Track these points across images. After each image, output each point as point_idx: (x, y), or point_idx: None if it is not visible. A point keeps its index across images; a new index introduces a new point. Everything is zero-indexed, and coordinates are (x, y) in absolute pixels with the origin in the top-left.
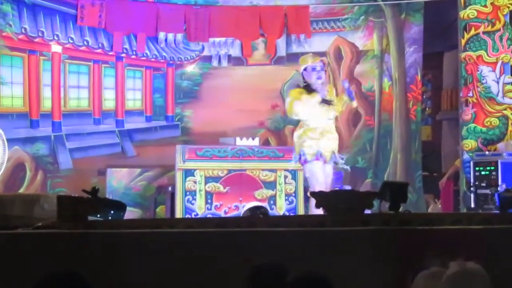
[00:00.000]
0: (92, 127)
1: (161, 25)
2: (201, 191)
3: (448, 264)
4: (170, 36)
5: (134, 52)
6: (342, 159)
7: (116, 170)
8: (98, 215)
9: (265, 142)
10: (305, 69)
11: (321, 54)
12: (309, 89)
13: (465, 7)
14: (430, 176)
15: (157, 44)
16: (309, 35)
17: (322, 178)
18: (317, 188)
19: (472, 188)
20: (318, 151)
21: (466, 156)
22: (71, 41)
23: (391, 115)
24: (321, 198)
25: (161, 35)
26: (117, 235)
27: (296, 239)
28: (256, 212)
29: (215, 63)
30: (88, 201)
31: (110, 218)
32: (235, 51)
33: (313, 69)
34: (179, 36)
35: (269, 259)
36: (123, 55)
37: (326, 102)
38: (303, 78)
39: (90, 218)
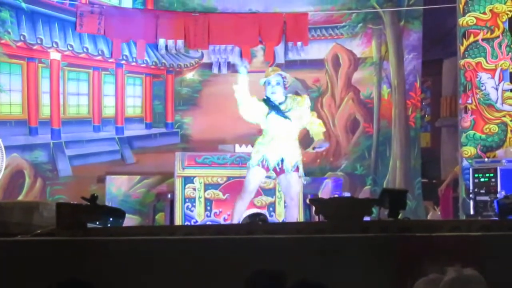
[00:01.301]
0: (91, 134)
1: (160, 32)
2: (200, 198)
3: (445, 271)
4: (170, 42)
5: (134, 59)
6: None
7: (115, 177)
8: (97, 222)
9: None
10: (264, 83)
11: (319, 61)
12: (267, 102)
13: (464, 14)
14: (429, 183)
15: (157, 51)
16: (306, 43)
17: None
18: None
19: (471, 195)
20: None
21: (465, 163)
22: (70, 48)
23: (390, 122)
24: (321, 205)
25: (161, 41)
26: (116, 242)
27: (295, 246)
28: (256, 219)
29: (215, 70)
30: (87, 208)
31: (109, 225)
32: (234, 58)
33: (268, 83)
34: (180, 43)
35: (268, 265)
36: (123, 62)
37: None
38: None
39: (89, 225)
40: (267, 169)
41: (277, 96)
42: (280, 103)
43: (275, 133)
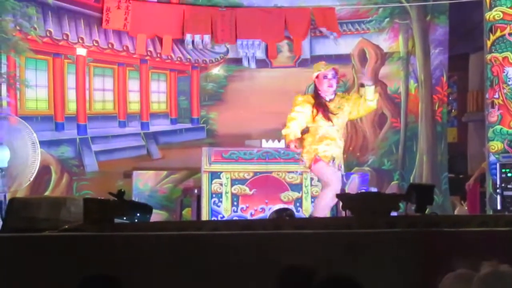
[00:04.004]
0: (117, 129)
1: (187, 27)
2: (227, 193)
3: (475, 266)
4: (197, 37)
5: (158, 55)
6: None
7: (142, 172)
8: (124, 218)
9: (289, 145)
10: (316, 77)
11: (345, 56)
12: (317, 97)
13: (490, 8)
14: (456, 178)
15: (183, 46)
16: (338, 34)
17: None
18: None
19: (498, 190)
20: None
21: (492, 158)
22: (95, 44)
23: (417, 117)
24: (347, 200)
25: (188, 37)
26: (144, 238)
27: (322, 241)
28: (282, 214)
29: (245, 63)
30: (114, 203)
31: (136, 220)
32: (260, 53)
33: (325, 77)
34: (206, 38)
35: (295, 261)
36: (147, 57)
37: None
38: (315, 85)
39: (117, 220)
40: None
41: (329, 92)
42: (330, 100)
43: (324, 132)
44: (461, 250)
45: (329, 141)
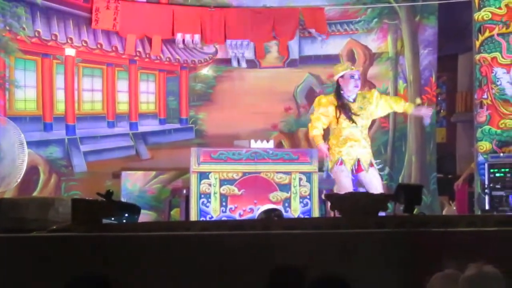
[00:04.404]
0: (106, 130)
1: (177, 27)
2: (215, 193)
3: (463, 266)
4: (187, 37)
5: (147, 55)
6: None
7: (130, 173)
8: (113, 218)
9: (278, 145)
10: (341, 76)
11: (334, 56)
12: (339, 97)
13: (479, 9)
14: (445, 178)
15: (172, 47)
16: (327, 35)
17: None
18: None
19: (486, 190)
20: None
21: (480, 158)
22: (84, 44)
23: (406, 118)
24: (336, 200)
25: (178, 36)
26: (132, 238)
27: (311, 241)
28: (271, 214)
29: (234, 64)
30: (103, 204)
31: (124, 221)
32: (249, 54)
33: (351, 76)
34: (197, 37)
35: (284, 261)
36: (136, 58)
37: (349, 116)
38: (338, 85)
39: (105, 221)
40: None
41: (352, 92)
42: (352, 100)
43: (347, 133)
44: (449, 250)
45: (353, 143)
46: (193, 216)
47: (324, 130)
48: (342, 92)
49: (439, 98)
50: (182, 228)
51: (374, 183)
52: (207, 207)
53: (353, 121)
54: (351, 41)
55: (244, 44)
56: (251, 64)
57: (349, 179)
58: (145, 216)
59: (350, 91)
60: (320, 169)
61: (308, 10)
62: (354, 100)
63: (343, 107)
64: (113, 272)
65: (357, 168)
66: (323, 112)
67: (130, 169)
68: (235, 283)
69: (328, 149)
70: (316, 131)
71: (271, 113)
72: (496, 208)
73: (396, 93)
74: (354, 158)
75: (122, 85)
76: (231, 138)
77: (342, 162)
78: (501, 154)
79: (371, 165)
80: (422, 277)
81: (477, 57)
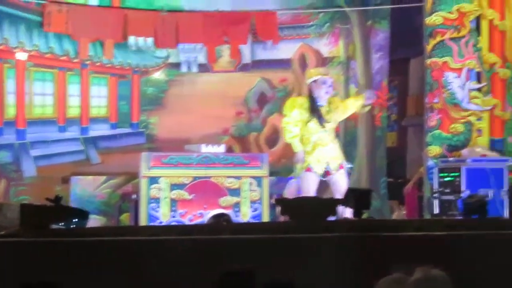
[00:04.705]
0: (56, 134)
1: (130, 30)
2: (165, 198)
3: (411, 270)
4: (140, 40)
5: (99, 59)
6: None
7: (80, 178)
8: (61, 223)
9: (229, 149)
10: (314, 81)
11: (286, 61)
12: (311, 102)
13: (431, 13)
14: (395, 182)
15: (124, 51)
16: (276, 41)
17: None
18: None
19: (436, 194)
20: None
21: (430, 162)
22: (36, 48)
23: (356, 122)
24: (286, 205)
25: (131, 39)
26: (81, 243)
27: (260, 246)
28: (220, 219)
29: (184, 69)
30: (51, 209)
31: (73, 226)
32: (201, 58)
33: (324, 82)
34: (150, 40)
35: (233, 266)
36: (88, 62)
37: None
38: (310, 90)
39: (54, 226)
40: (316, 174)
41: (324, 98)
42: (322, 106)
43: (316, 139)
44: (398, 254)
45: (322, 147)
46: (143, 221)
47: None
48: (314, 96)
49: (390, 102)
50: (131, 233)
51: (340, 186)
52: (157, 212)
53: (323, 126)
54: (303, 46)
55: (197, 48)
56: (203, 68)
57: (314, 186)
58: (94, 221)
59: (321, 97)
60: (271, 173)
61: (260, 14)
62: (324, 106)
63: (315, 111)
64: (61, 277)
65: (327, 171)
66: (297, 115)
67: (80, 174)
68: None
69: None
70: (291, 134)
71: (222, 118)
72: (445, 213)
73: (347, 97)
74: (323, 163)
75: (73, 89)
76: (182, 143)
77: (310, 169)
78: (451, 159)
79: (340, 167)
80: (370, 281)
81: (428, 61)
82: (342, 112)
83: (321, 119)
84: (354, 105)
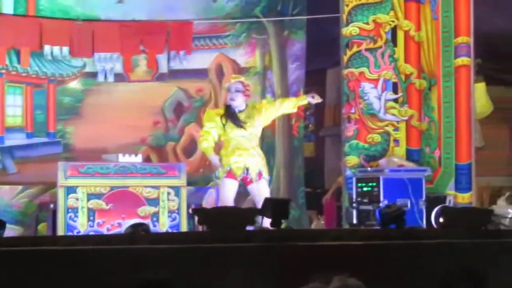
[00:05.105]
0: None
1: (45, 39)
2: (83, 208)
3: (329, 279)
4: (56, 49)
5: (14, 68)
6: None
7: None
8: None
9: (147, 159)
10: (228, 89)
11: (203, 71)
12: (227, 108)
13: (347, 24)
14: (313, 192)
15: (39, 60)
16: (189, 52)
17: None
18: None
19: (354, 204)
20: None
21: (348, 172)
22: None
23: (274, 132)
24: (203, 215)
25: (47, 48)
26: None
27: (177, 256)
28: (138, 229)
29: (101, 78)
30: None
31: None
32: (118, 67)
33: (237, 90)
34: (65, 50)
35: (151, 276)
36: (3, 71)
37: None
38: (228, 95)
39: None
40: (236, 179)
41: (237, 103)
42: (240, 111)
43: (235, 143)
44: (316, 263)
45: (241, 152)
46: (61, 231)
47: (215, 143)
48: (230, 103)
49: (307, 113)
50: (49, 243)
51: (261, 195)
52: (75, 221)
53: (241, 127)
54: (220, 56)
55: (113, 58)
56: (120, 77)
57: (233, 194)
58: (11, 231)
59: (239, 101)
60: (190, 183)
61: (176, 25)
62: (242, 111)
63: (230, 115)
64: None
65: (246, 178)
66: (213, 125)
67: None
68: None
69: (220, 160)
70: (205, 143)
71: (140, 127)
72: (363, 222)
73: None
74: (242, 167)
75: None
76: (99, 152)
77: (230, 172)
78: (369, 169)
79: (259, 175)
80: None
81: (345, 71)
82: (269, 114)
83: (237, 122)
84: (292, 105)
